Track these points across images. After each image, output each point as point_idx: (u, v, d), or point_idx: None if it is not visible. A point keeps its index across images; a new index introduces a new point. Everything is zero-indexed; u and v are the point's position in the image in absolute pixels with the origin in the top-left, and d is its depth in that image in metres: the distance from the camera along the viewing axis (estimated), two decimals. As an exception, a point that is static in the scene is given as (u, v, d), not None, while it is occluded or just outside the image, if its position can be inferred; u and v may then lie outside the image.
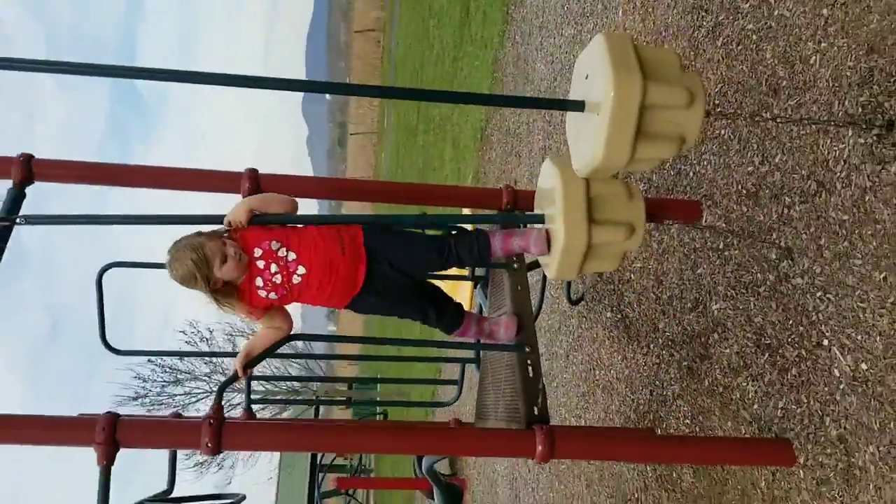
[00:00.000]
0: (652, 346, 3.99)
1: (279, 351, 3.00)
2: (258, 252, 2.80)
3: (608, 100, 2.23)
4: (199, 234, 2.83)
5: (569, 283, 4.91)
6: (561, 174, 2.68)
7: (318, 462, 12.95)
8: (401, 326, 19.43)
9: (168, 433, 2.53)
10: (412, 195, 3.40)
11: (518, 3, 8.48)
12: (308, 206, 3.16)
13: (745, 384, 3.05)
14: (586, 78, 2.45)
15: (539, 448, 2.55)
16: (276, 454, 23.01)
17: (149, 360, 18.27)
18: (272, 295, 2.83)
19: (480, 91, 10.16)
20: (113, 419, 2.38)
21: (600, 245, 2.72)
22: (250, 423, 2.97)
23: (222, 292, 2.85)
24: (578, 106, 2.38)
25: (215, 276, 2.77)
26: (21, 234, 2.93)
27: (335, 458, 11.60)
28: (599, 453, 2.72)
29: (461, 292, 8.41)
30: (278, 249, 2.81)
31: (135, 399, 18.65)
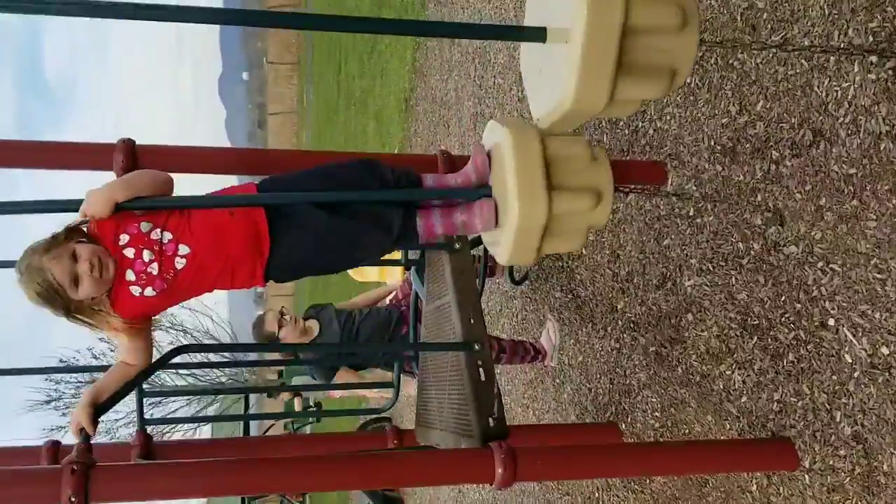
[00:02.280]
0: (610, 328, 3.54)
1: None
2: (124, 239, 2.15)
3: (581, 21, 1.72)
4: (40, 248, 2.13)
5: (511, 262, 4.43)
6: (510, 132, 2.14)
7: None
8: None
9: (18, 487, 1.92)
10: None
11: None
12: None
13: (729, 372, 2.62)
14: None
15: (499, 471, 2.06)
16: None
17: (60, 361, 17.11)
18: (149, 291, 2.16)
19: (402, 68, 9.58)
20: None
21: (562, 217, 2.18)
22: (129, 465, 2.37)
23: (90, 310, 2.21)
24: (538, 35, 1.85)
25: (75, 300, 2.14)
26: None
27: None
28: (567, 472, 2.25)
29: (392, 276, 7.84)
30: (150, 231, 2.16)
31: (48, 403, 17.45)
